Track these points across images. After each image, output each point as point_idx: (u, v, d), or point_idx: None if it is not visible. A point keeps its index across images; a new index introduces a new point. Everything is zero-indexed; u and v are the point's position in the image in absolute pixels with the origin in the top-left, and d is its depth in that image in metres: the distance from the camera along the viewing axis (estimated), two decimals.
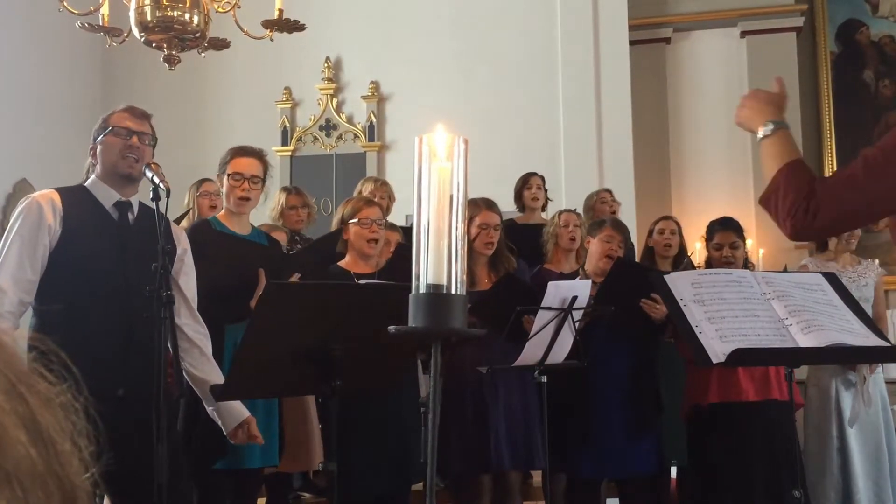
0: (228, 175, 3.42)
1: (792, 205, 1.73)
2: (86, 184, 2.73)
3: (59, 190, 2.67)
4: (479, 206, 3.98)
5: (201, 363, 2.80)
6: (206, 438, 3.13)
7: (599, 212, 5.50)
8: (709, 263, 4.26)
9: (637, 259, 4.87)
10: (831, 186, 1.78)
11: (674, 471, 4.32)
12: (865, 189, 1.71)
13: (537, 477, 4.67)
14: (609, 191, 5.84)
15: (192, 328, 2.82)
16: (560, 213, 4.58)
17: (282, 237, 4.25)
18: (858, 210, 1.75)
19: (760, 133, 1.90)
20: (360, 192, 5.00)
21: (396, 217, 5.19)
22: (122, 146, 2.67)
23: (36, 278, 2.54)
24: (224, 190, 3.49)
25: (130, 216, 2.70)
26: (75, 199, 2.65)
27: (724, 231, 4.11)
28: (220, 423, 2.81)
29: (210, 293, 2.93)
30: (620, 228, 4.19)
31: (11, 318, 2.50)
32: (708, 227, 4.24)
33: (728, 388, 3.78)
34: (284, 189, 5.21)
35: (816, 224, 1.72)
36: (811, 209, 1.71)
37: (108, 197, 2.69)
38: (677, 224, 4.60)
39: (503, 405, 3.82)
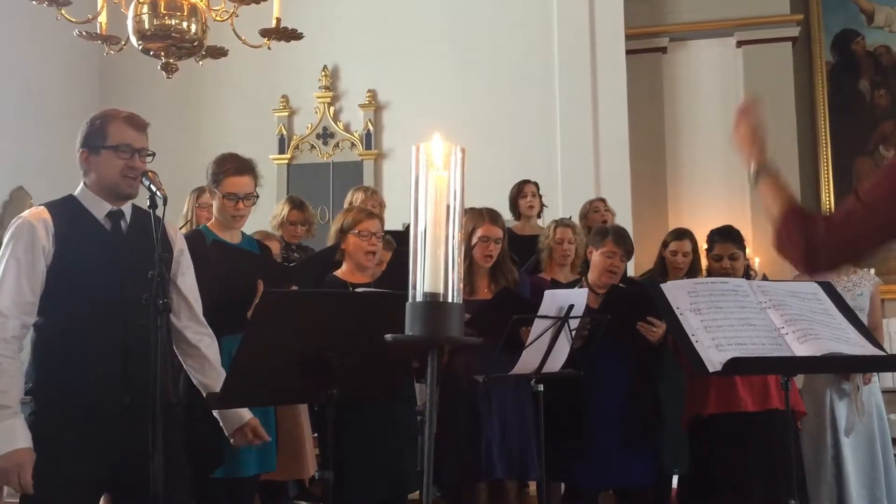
0: (223, 196, 3.39)
1: (802, 247, 1.85)
2: (75, 193, 2.66)
3: (49, 206, 2.61)
4: (482, 218, 3.93)
5: (203, 367, 2.76)
6: (202, 447, 3.12)
7: (592, 221, 5.50)
8: (710, 274, 4.21)
9: (650, 268, 4.80)
10: (840, 217, 1.87)
11: (675, 480, 4.30)
12: (876, 211, 1.79)
13: (533, 486, 4.66)
14: (603, 200, 5.84)
15: (194, 330, 2.77)
16: (556, 226, 4.52)
17: (275, 245, 4.23)
18: (868, 233, 1.82)
19: (750, 176, 2.06)
20: (351, 202, 5.00)
21: (391, 225, 5.18)
22: (125, 167, 2.60)
23: (36, 299, 2.50)
24: (216, 204, 3.45)
25: (123, 224, 2.66)
26: (66, 214, 2.59)
27: (724, 242, 4.05)
28: (222, 425, 2.80)
29: (208, 304, 2.91)
30: (623, 241, 4.09)
31: (16, 342, 2.47)
32: (708, 236, 4.18)
33: (726, 398, 3.76)
34: (290, 201, 5.16)
35: (826, 256, 1.83)
36: (819, 245, 1.82)
37: (99, 208, 2.63)
38: (693, 241, 4.44)
39: (497, 414, 3.81)
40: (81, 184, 2.67)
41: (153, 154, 2.68)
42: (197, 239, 3.33)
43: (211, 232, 3.44)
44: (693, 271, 4.42)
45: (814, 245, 1.82)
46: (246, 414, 2.79)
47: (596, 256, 4.07)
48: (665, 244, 4.46)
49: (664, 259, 4.44)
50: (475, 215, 3.96)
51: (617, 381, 3.90)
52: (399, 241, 4.30)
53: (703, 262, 4.55)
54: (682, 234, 4.51)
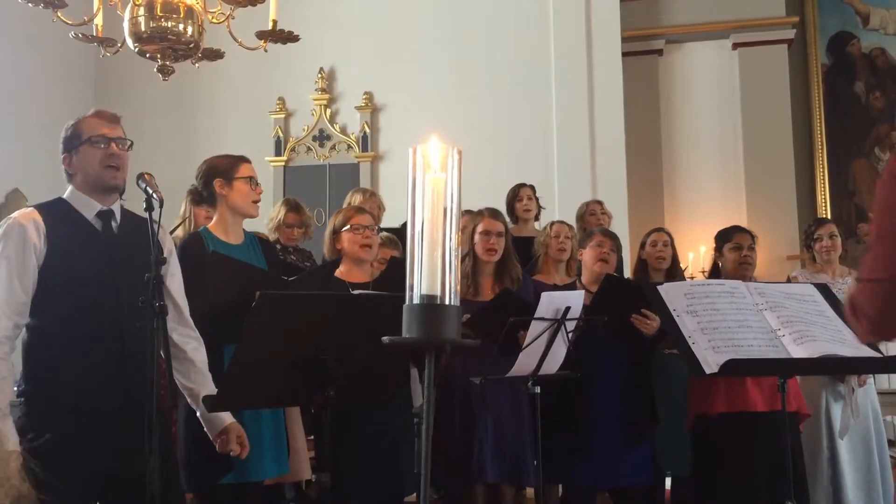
0: (244, 179, 3.32)
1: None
2: (64, 196, 2.67)
3: (39, 207, 2.61)
4: (481, 214, 4.03)
5: (189, 370, 2.74)
6: (209, 453, 3.06)
7: (589, 223, 5.51)
8: (714, 272, 4.28)
9: (630, 271, 4.86)
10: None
11: (668, 481, 4.30)
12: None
13: (530, 488, 4.65)
14: (599, 202, 5.85)
15: (180, 333, 2.75)
16: (552, 223, 4.60)
17: None
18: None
19: None
20: (349, 204, 4.99)
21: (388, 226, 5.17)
22: (103, 156, 2.63)
23: (28, 299, 2.50)
24: (232, 198, 3.32)
25: (114, 224, 2.66)
26: (56, 214, 2.60)
27: (743, 233, 4.21)
28: (206, 429, 2.78)
29: (208, 314, 2.89)
30: (610, 235, 4.25)
31: (8, 342, 2.47)
32: (722, 231, 4.31)
33: (736, 397, 3.76)
34: (286, 203, 5.14)
35: (865, 315, 1.70)
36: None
37: (89, 208, 2.64)
38: (670, 236, 4.58)
39: (492, 416, 3.80)
40: (70, 187, 2.68)
41: (131, 143, 2.70)
42: (196, 243, 3.26)
43: (211, 234, 3.34)
44: (674, 264, 4.49)
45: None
46: (225, 419, 2.76)
47: (587, 252, 4.16)
48: (643, 244, 4.56)
49: (645, 261, 4.52)
50: (474, 214, 4.06)
51: (613, 381, 3.91)
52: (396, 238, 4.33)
53: (700, 265, 4.58)
54: (657, 229, 4.69)
